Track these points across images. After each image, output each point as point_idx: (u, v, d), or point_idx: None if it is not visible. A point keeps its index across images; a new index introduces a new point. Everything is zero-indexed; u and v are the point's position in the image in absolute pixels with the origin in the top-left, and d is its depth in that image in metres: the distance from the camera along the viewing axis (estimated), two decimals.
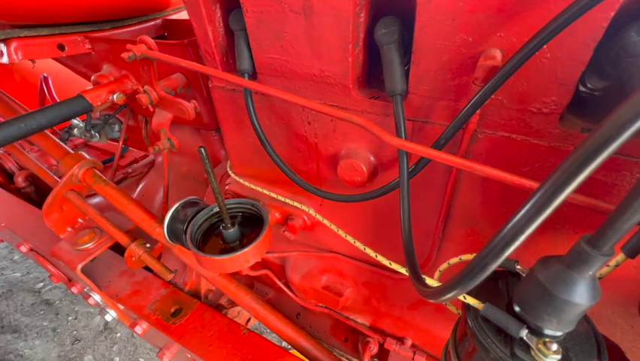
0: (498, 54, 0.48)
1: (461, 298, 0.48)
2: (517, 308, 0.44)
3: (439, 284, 0.45)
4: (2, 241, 1.98)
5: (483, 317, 0.47)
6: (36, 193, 1.85)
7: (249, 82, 0.71)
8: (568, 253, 0.38)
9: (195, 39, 0.77)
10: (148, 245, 1.07)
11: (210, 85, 0.85)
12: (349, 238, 0.80)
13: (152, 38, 0.84)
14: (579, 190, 0.32)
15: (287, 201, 0.93)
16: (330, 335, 1.26)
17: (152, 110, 0.94)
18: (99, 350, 2.31)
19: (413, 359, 1.04)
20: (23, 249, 1.39)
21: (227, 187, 1.06)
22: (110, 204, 1.05)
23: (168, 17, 1.35)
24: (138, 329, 1.13)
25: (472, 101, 0.50)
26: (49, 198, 1.05)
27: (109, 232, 1.07)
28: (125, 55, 0.80)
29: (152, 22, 1.30)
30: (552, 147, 0.53)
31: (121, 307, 1.16)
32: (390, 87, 0.59)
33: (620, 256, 0.43)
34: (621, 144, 0.27)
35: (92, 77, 1.06)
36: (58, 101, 1.30)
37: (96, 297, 1.24)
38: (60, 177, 1.07)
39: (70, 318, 2.50)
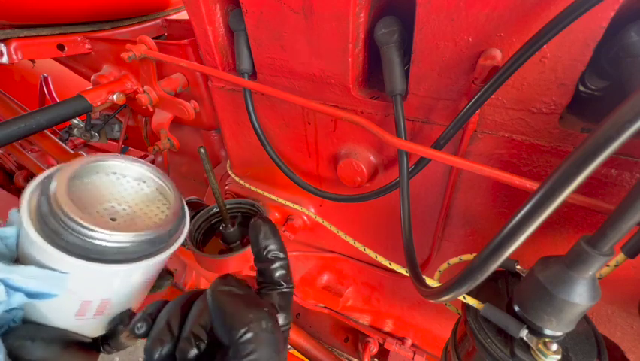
0: (498, 54, 0.48)
1: (461, 298, 0.48)
2: (517, 308, 0.44)
3: (439, 284, 0.45)
4: None
5: (483, 317, 0.47)
6: None
7: (249, 82, 0.71)
8: (568, 253, 0.38)
9: (195, 39, 0.77)
10: None
11: (210, 85, 0.85)
12: (349, 239, 0.80)
13: (152, 38, 0.84)
14: (579, 190, 0.32)
15: (287, 201, 0.93)
16: (330, 335, 1.26)
17: (152, 110, 0.94)
18: None
19: (413, 359, 1.04)
20: None
21: (227, 187, 1.06)
22: None
23: (168, 17, 1.35)
24: None
25: (472, 101, 0.50)
26: None
27: None
28: (124, 55, 0.80)
29: (152, 22, 1.29)
30: (552, 147, 0.53)
31: None
32: (390, 87, 0.59)
33: (620, 256, 0.43)
34: (621, 144, 0.27)
35: (92, 77, 1.06)
36: (58, 101, 1.30)
37: None
38: None
39: None
